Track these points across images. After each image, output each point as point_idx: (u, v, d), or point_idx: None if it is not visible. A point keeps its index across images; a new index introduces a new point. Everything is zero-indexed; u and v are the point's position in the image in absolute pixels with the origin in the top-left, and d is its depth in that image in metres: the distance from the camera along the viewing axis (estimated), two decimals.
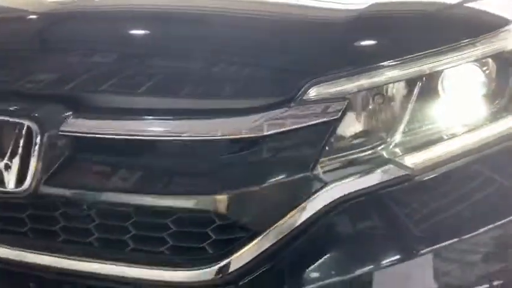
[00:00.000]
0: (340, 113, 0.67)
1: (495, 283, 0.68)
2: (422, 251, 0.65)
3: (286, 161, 0.67)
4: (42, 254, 0.70)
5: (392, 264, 0.64)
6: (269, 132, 0.66)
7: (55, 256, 0.70)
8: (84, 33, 0.81)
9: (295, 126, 0.67)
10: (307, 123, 0.67)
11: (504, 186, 0.75)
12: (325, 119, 0.67)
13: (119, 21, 0.84)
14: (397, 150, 0.71)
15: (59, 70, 0.76)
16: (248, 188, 0.66)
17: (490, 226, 0.69)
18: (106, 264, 0.68)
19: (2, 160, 0.69)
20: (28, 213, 0.71)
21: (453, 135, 0.74)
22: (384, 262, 0.65)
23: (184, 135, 0.66)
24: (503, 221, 0.70)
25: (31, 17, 0.93)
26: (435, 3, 0.92)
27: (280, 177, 0.66)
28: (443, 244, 0.66)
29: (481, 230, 0.68)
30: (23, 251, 0.71)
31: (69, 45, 0.80)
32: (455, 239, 0.67)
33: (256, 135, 0.66)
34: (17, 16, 0.94)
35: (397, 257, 0.65)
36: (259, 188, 0.66)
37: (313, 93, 0.68)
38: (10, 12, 0.95)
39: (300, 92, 0.68)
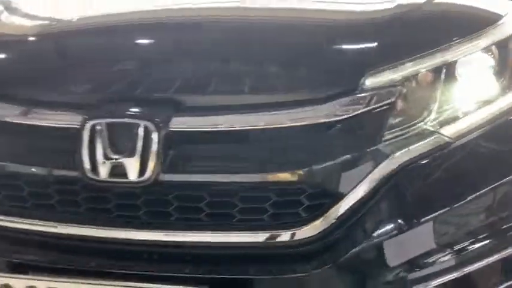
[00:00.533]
0: (395, 98, 0.86)
1: None
2: (470, 197, 0.85)
3: (358, 139, 0.85)
4: (156, 232, 0.85)
5: (450, 207, 0.84)
6: (343, 117, 0.84)
7: (169, 233, 0.85)
8: (176, 46, 0.95)
9: (361, 111, 0.84)
10: (371, 107, 0.85)
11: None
12: (384, 103, 0.85)
13: (201, 32, 0.98)
14: (434, 124, 0.90)
15: (164, 78, 0.89)
16: (331, 161, 0.83)
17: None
18: (216, 234, 0.84)
19: (123, 156, 0.82)
20: (143, 199, 0.85)
21: (473, 110, 0.94)
22: (442, 206, 0.85)
23: (280, 124, 0.83)
24: None
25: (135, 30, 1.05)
26: (443, 3, 1.12)
27: (355, 151, 0.84)
28: (483, 190, 0.86)
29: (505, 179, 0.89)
30: (140, 231, 0.85)
31: (166, 56, 0.93)
32: (488, 186, 0.88)
33: (333, 119, 0.83)
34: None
35: (452, 202, 0.85)
36: (340, 161, 0.83)
37: (370, 83, 0.86)
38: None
39: (361, 83, 0.86)
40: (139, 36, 1.00)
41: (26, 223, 0.87)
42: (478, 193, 0.89)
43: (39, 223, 0.87)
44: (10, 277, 0.84)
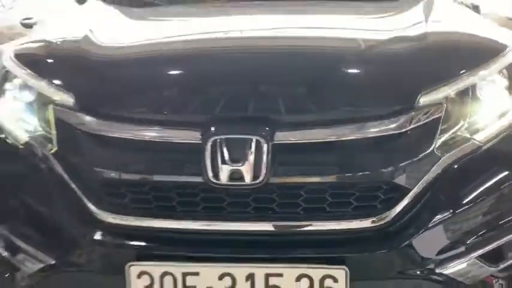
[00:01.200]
0: (443, 112, 1.12)
1: None
2: (501, 187, 1.12)
3: (417, 146, 1.10)
4: (265, 223, 1.08)
5: (486, 196, 1.11)
6: (407, 129, 1.09)
7: (274, 223, 1.07)
8: (277, 75, 1.18)
9: (419, 123, 1.10)
10: (425, 121, 1.11)
11: None
12: (435, 117, 1.11)
13: (294, 62, 1.21)
14: (467, 132, 1.17)
15: (268, 100, 1.12)
16: (398, 164, 1.08)
17: None
18: (313, 224, 1.07)
19: (240, 164, 1.04)
20: (254, 197, 1.07)
21: (494, 120, 1.21)
22: (480, 197, 1.12)
23: (360, 136, 1.07)
24: None
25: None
26: (464, 34, 1.41)
27: (415, 156, 1.09)
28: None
29: None
30: (252, 223, 1.07)
31: (269, 84, 1.16)
32: None
33: (401, 131, 1.09)
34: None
35: (487, 192, 1.12)
36: (404, 164, 1.08)
37: (423, 101, 1.12)
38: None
39: (416, 101, 1.11)
40: (245, 66, 1.21)
41: (169, 223, 1.09)
42: (501, 185, 1.16)
43: (172, 222, 1.08)
44: (152, 265, 1.05)
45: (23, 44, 1.51)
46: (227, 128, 1.06)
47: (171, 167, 1.10)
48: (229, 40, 1.43)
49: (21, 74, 1.32)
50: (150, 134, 1.11)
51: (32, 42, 1.54)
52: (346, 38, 1.43)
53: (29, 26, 3.53)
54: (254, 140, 1.04)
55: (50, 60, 1.37)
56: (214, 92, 1.17)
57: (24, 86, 1.32)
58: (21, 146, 1.23)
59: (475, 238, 1.13)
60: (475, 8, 2.16)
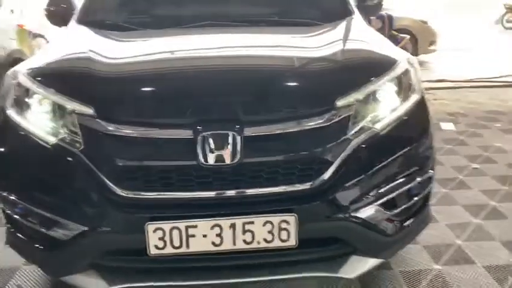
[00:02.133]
0: (353, 111, 1.80)
1: None
2: (389, 159, 1.83)
3: (337, 133, 1.78)
4: (240, 189, 1.70)
5: (380, 165, 1.81)
6: (329, 123, 1.76)
7: (246, 190, 1.70)
8: (246, 89, 1.83)
9: (338, 119, 1.78)
10: (341, 117, 1.79)
11: (412, 130, 1.97)
12: (348, 114, 1.80)
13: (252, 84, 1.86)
14: (370, 122, 1.87)
15: (239, 107, 1.73)
16: (325, 146, 1.75)
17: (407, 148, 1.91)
18: (272, 188, 1.71)
19: (222, 151, 1.65)
20: (231, 173, 1.69)
21: (388, 114, 1.92)
22: (376, 165, 1.81)
23: (296, 129, 1.73)
24: (414, 144, 1.92)
25: None
26: (369, 51, 2.14)
27: (336, 140, 1.76)
28: (395, 155, 1.85)
29: (405, 149, 1.90)
30: (229, 190, 1.70)
31: (240, 95, 1.79)
32: (397, 153, 1.87)
33: (326, 124, 1.76)
34: None
35: (380, 162, 1.82)
36: (329, 146, 1.75)
37: (339, 103, 1.80)
38: None
39: (335, 103, 1.79)
40: (221, 84, 1.83)
41: (173, 194, 1.70)
42: (392, 157, 1.88)
43: (175, 193, 1.69)
44: (164, 223, 1.65)
45: (34, 64, 2.04)
46: (211, 127, 1.68)
47: (172, 155, 1.70)
48: (208, 61, 2.09)
49: (42, 91, 1.85)
50: (156, 133, 1.70)
51: (42, 62, 2.07)
52: (286, 58, 2.13)
53: None
54: (231, 134, 1.67)
55: (64, 78, 1.94)
56: (202, 102, 1.78)
57: (43, 101, 1.85)
58: (49, 146, 1.76)
59: (376, 193, 1.83)
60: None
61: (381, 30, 5.56)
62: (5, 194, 1.87)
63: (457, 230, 2.73)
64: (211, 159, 1.66)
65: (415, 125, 2.00)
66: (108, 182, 1.69)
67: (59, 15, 2.89)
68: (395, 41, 5.54)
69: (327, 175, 1.75)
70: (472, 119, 4.97)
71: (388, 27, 5.45)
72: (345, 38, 2.28)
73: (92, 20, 2.67)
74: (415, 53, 8.68)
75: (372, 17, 4.50)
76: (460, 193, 3.23)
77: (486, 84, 6.62)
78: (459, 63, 8.75)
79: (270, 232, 1.68)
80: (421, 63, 8.72)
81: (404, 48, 5.84)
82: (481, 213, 2.92)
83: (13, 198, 1.85)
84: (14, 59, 4.55)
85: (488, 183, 3.39)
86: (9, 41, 4.51)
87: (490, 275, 2.32)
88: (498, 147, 4.12)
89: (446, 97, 5.95)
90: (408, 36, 5.89)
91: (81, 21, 2.67)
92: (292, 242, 1.70)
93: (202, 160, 1.66)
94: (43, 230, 1.80)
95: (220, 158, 1.66)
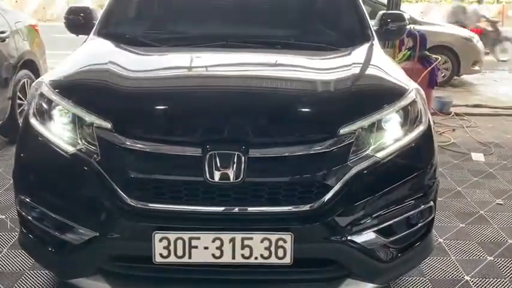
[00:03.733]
0: (354, 138, 2.17)
1: None
2: (389, 187, 2.19)
3: (338, 159, 2.14)
4: (242, 207, 2.08)
5: (380, 193, 2.17)
6: (331, 149, 2.13)
7: (247, 207, 2.08)
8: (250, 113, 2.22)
9: (339, 146, 2.15)
10: (343, 144, 2.16)
11: (414, 160, 2.33)
12: (349, 141, 2.17)
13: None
14: (372, 151, 2.23)
15: (245, 129, 2.12)
16: (326, 171, 2.11)
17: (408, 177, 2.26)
18: (272, 208, 2.09)
19: (227, 169, 2.04)
20: (234, 191, 2.07)
21: (391, 144, 2.28)
22: (377, 192, 2.17)
23: (300, 152, 2.10)
24: (415, 173, 2.28)
25: None
26: (376, 78, 2.53)
27: (337, 166, 2.13)
28: (396, 184, 2.21)
29: (406, 179, 2.25)
30: (235, 207, 2.08)
31: (246, 118, 2.18)
32: (398, 181, 2.22)
33: (327, 150, 2.13)
34: None
35: (381, 189, 2.18)
36: (330, 171, 2.12)
37: (342, 131, 2.17)
38: None
39: (338, 131, 2.16)
40: (228, 108, 2.24)
41: (180, 207, 2.09)
42: (392, 186, 2.23)
43: (182, 206, 2.08)
44: (170, 233, 2.03)
45: (56, 76, 2.48)
46: (219, 146, 2.07)
47: (181, 171, 2.09)
48: (220, 82, 2.54)
49: (64, 103, 2.27)
50: (167, 149, 2.10)
51: (64, 74, 2.53)
52: (295, 83, 2.55)
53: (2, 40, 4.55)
54: (236, 154, 2.06)
55: (85, 91, 2.39)
56: (212, 123, 2.18)
57: (64, 112, 2.28)
58: (67, 155, 2.17)
59: (374, 219, 2.19)
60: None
61: (412, 49, 5.92)
62: (22, 197, 2.30)
63: (468, 266, 3.05)
64: (216, 176, 2.05)
65: (418, 156, 2.36)
66: (120, 192, 2.08)
67: (77, 24, 3.35)
68: (428, 61, 5.87)
69: (326, 198, 2.11)
70: (505, 151, 5.26)
71: (420, 47, 5.79)
72: (357, 65, 2.67)
73: (111, 32, 3.14)
74: (456, 73, 9.01)
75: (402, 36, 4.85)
76: (477, 228, 3.54)
77: None
78: (507, 86, 9.03)
79: (267, 249, 2.05)
80: (462, 85, 9.10)
81: (438, 69, 6.16)
82: (496, 251, 3.23)
83: (30, 201, 2.28)
84: (26, 61, 5.06)
85: (510, 221, 3.69)
86: (22, 42, 5.03)
87: None
88: None
89: (480, 124, 6.25)
90: (439, 58, 6.19)
91: (101, 33, 3.14)
92: (288, 259, 2.06)
93: (208, 177, 2.05)
94: (56, 233, 2.21)
95: (225, 176, 2.05)
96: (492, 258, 3.14)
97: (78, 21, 3.35)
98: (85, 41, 3.12)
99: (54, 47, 7.22)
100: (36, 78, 4.31)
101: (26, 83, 5.08)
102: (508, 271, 3.01)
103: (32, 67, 5.24)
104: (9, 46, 4.83)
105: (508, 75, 10.11)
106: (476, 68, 9.10)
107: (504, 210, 3.87)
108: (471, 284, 2.87)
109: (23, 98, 5.01)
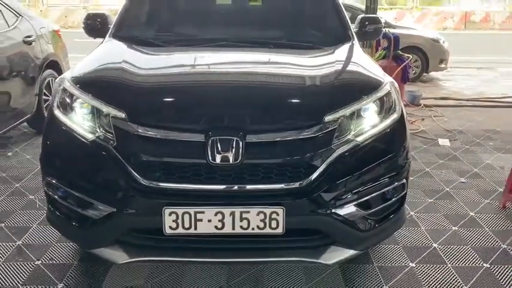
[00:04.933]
0: (337, 125, 2.17)
1: None
2: (366, 167, 2.19)
3: (323, 143, 2.14)
4: (240, 185, 2.08)
5: (359, 172, 2.18)
6: (317, 134, 2.13)
7: (245, 185, 2.08)
8: (248, 102, 2.21)
9: (324, 131, 2.15)
10: (328, 130, 2.16)
11: (389, 144, 2.33)
12: (333, 128, 2.17)
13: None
14: (353, 136, 2.23)
15: (243, 117, 2.11)
16: (313, 153, 2.12)
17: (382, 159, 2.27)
18: (267, 185, 2.09)
19: (227, 152, 2.03)
20: (233, 171, 2.07)
21: (369, 129, 2.28)
22: (355, 171, 2.18)
23: (290, 138, 2.11)
24: (390, 155, 2.28)
25: None
26: (355, 72, 2.53)
27: (321, 149, 2.13)
28: (372, 164, 2.21)
29: (381, 160, 2.25)
30: (233, 185, 2.08)
31: (246, 107, 2.17)
32: (374, 162, 2.23)
33: (314, 135, 2.13)
34: None
35: (358, 169, 2.18)
36: (316, 153, 2.12)
37: (327, 118, 2.17)
38: None
39: (323, 118, 2.16)
40: (229, 98, 2.23)
41: (186, 185, 2.08)
42: (370, 166, 2.23)
43: (188, 185, 2.08)
44: (178, 208, 2.03)
45: (77, 73, 2.47)
46: (220, 133, 2.06)
47: (187, 154, 2.09)
48: (220, 77, 2.52)
49: (84, 97, 2.26)
50: (175, 135, 2.10)
51: (83, 71, 2.50)
52: (285, 77, 2.54)
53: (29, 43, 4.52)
54: (234, 139, 2.05)
55: (102, 86, 2.37)
56: (213, 113, 2.17)
57: (83, 104, 2.26)
58: (87, 142, 2.16)
59: (354, 194, 2.19)
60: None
61: (387, 49, 5.90)
62: (49, 179, 2.29)
63: (436, 235, 3.07)
64: (218, 159, 2.04)
65: (393, 140, 2.36)
66: (134, 173, 2.08)
67: (95, 28, 3.33)
68: (401, 60, 5.86)
69: (313, 177, 2.12)
70: (468, 137, 5.27)
71: (394, 47, 5.77)
72: (340, 62, 2.66)
73: (124, 35, 3.12)
74: (425, 70, 9.00)
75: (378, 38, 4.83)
76: (444, 203, 3.56)
77: (490, 104, 6.89)
78: (469, 81, 9.03)
79: (262, 221, 2.06)
80: (430, 80, 9.09)
81: (410, 66, 6.16)
82: (459, 222, 3.25)
83: (56, 182, 2.27)
84: (50, 62, 5.02)
85: (472, 196, 3.71)
86: (46, 45, 4.98)
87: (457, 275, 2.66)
88: (487, 164, 4.42)
89: (447, 114, 6.25)
90: (411, 57, 6.19)
91: (116, 36, 3.12)
92: (280, 230, 2.07)
93: (210, 159, 2.04)
94: (79, 210, 2.21)
95: (225, 159, 2.04)
96: (457, 228, 3.17)
97: (95, 26, 3.33)
98: (101, 43, 3.10)
99: (75, 51, 7.17)
100: None
101: (50, 81, 5.04)
102: (470, 239, 3.03)
103: (56, 67, 5.20)
104: (35, 49, 4.79)
105: (470, 71, 10.10)
106: (443, 65, 9.09)
107: (466, 187, 3.88)
108: (438, 250, 2.89)
109: (48, 94, 4.98)
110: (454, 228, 3.17)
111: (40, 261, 2.70)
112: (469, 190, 3.82)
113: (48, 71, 5.02)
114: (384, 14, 15.87)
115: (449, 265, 2.73)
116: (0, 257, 2.74)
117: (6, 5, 4.68)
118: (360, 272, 2.65)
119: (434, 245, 2.95)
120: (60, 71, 5.23)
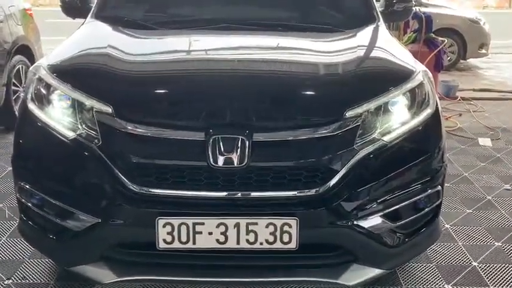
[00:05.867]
0: (360, 122, 2.19)
1: None
2: (396, 171, 2.21)
3: (343, 143, 2.16)
4: (246, 191, 2.10)
5: (387, 176, 2.19)
6: (337, 132, 2.15)
7: (251, 192, 2.10)
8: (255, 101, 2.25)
9: (345, 129, 2.17)
10: (349, 127, 2.17)
11: (422, 144, 2.34)
12: (356, 125, 2.18)
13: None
14: (379, 134, 2.24)
15: (249, 114, 2.13)
16: (334, 154, 2.13)
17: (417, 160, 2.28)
18: (277, 192, 2.11)
19: (231, 154, 2.05)
20: (238, 175, 2.09)
21: (398, 127, 2.29)
22: (384, 175, 2.19)
23: (309, 136, 2.12)
24: (423, 157, 2.30)
25: None
26: (381, 60, 2.54)
27: (344, 149, 2.15)
28: (402, 168, 2.23)
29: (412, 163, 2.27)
30: (238, 192, 2.10)
31: (251, 104, 2.19)
32: (404, 166, 2.24)
33: (333, 133, 2.14)
34: None
35: (387, 173, 2.20)
36: (338, 154, 2.14)
37: (348, 114, 2.18)
38: None
39: (343, 113, 2.17)
40: (233, 92, 2.24)
41: (184, 192, 2.10)
42: (399, 170, 2.25)
43: (186, 192, 2.10)
44: (174, 218, 2.06)
45: (54, 60, 2.49)
46: (222, 130, 2.08)
47: (184, 155, 2.11)
48: (222, 65, 2.56)
49: (63, 88, 2.28)
50: (170, 133, 2.12)
51: (62, 57, 2.52)
52: (299, 66, 2.57)
53: None
54: (240, 138, 2.07)
55: (84, 75, 2.40)
56: (214, 106, 2.19)
57: (62, 96, 2.29)
58: (68, 141, 2.19)
59: (381, 203, 2.21)
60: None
61: (417, 31, 5.91)
62: (22, 183, 2.32)
63: (475, 252, 3.08)
64: (220, 161, 2.06)
65: (426, 139, 2.38)
66: (122, 177, 2.10)
67: (74, 7, 3.35)
68: (434, 44, 5.87)
69: (331, 183, 2.13)
70: None
71: (426, 29, 5.78)
72: (363, 47, 2.68)
73: (109, 15, 3.14)
74: (463, 56, 9.00)
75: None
76: (485, 214, 3.57)
77: None
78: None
79: (272, 234, 2.08)
80: (468, 68, 9.10)
81: (444, 52, 6.16)
82: (504, 237, 3.26)
83: (30, 188, 2.30)
84: (20, 46, 5.06)
85: None
86: (16, 27, 5.02)
87: None
88: None
89: (487, 109, 6.26)
90: (446, 40, 6.19)
91: (99, 16, 3.14)
92: (293, 245, 2.09)
93: (212, 162, 2.06)
94: (57, 220, 2.23)
95: (228, 161, 2.06)
96: (500, 244, 3.18)
97: (75, 4, 3.35)
98: (82, 24, 3.12)
99: (48, 33, 7.20)
100: (32, 64, 4.32)
101: (20, 69, 5.09)
102: None
103: (27, 53, 5.24)
104: (3, 31, 4.84)
105: None
106: (483, 51, 9.11)
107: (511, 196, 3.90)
108: (479, 269, 2.90)
109: (18, 85, 5.03)
110: (496, 244, 3.18)
111: (11, 280, 2.73)
112: None
113: (18, 57, 5.06)
114: None
115: (491, 287, 2.75)
116: None
117: None
118: None
119: (474, 263, 2.96)
120: (31, 57, 5.28)
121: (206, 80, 2.40)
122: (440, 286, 2.75)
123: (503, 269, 2.91)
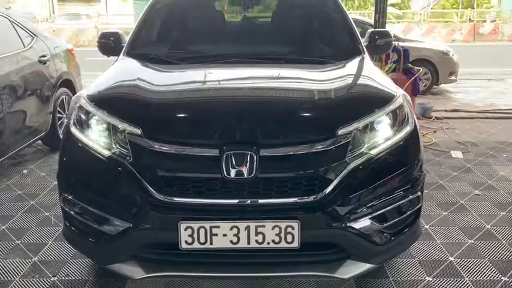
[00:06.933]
0: (351, 138, 2.18)
1: None
2: (381, 180, 2.19)
3: (337, 157, 2.15)
4: (255, 199, 2.09)
5: (373, 185, 2.17)
6: (331, 148, 2.14)
7: (259, 199, 2.09)
8: (261, 120, 2.24)
9: (338, 145, 2.16)
10: (341, 143, 2.16)
11: (403, 156, 2.33)
12: (346, 141, 2.17)
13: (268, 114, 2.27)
14: (366, 149, 2.23)
15: (257, 133, 2.13)
16: (327, 167, 2.12)
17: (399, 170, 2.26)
18: (281, 199, 2.09)
19: (242, 167, 2.04)
20: (248, 185, 2.08)
21: (382, 142, 2.28)
22: (369, 185, 2.17)
23: (305, 151, 2.11)
24: (404, 168, 2.28)
25: None
26: (367, 86, 2.54)
27: (336, 162, 2.14)
28: (387, 177, 2.21)
29: (395, 173, 2.25)
30: (247, 199, 2.09)
31: (259, 123, 2.19)
32: (389, 175, 2.22)
33: (327, 148, 2.13)
34: None
35: (373, 182, 2.18)
36: (330, 166, 2.13)
37: (340, 132, 2.18)
38: None
39: (336, 132, 2.17)
40: (242, 115, 2.24)
41: (201, 200, 2.10)
42: (384, 179, 2.23)
43: (203, 200, 2.09)
44: (193, 223, 2.04)
45: (93, 91, 2.51)
46: (234, 147, 2.08)
47: (201, 169, 2.11)
48: (233, 93, 2.55)
49: (100, 114, 2.30)
50: (190, 150, 2.12)
51: (99, 89, 2.55)
52: (298, 92, 2.55)
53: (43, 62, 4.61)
54: (249, 154, 2.07)
55: (117, 103, 2.41)
56: (227, 128, 2.19)
57: (99, 121, 2.30)
58: (104, 158, 2.19)
59: (369, 207, 2.19)
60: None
61: (397, 62, 5.92)
62: (65, 195, 2.32)
63: (451, 248, 3.03)
64: (232, 173, 2.06)
65: (407, 152, 2.36)
66: (150, 188, 2.10)
67: (109, 47, 3.39)
68: (411, 73, 5.87)
69: (327, 191, 2.12)
70: (481, 149, 5.23)
71: (404, 60, 5.79)
72: (351, 76, 2.69)
73: (138, 53, 3.18)
74: (435, 82, 8.98)
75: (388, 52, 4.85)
76: (459, 216, 3.52)
77: (501, 116, 6.84)
78: (480, 93, 8.99)
79: (277, 235, 2.06)
80: (441, 92, 9.06)
81: (420, 79, 6.15)
82: (476, 235, 3.21)
83: (72, 198, 2.30)
84: (64, 80, 5.11)
85: (487, 208, 3.67)
86: (60, 64, 5.07)
87: None
88: (502, 176, 4.38)
89: (458, 127, 6.22)
90: (421, 69, 6.19)
91: (129, 54, 3.18)
92: (296, 244, 2.07)
93: (225, 174, 2.06)
94: (95, 225, 2.23)
95: (239, 173, 2.06)
96: (472, 241, 3.13)
97: (109, 44, 3.39)
98: (116, 61, 3.16)
99: (87, 69, 7.28)
100: (73, 95, 4.35)
101: (64, 99, 5.13)
102: (487, 252, 2.99)
103: (70, 86, 5.28)
104: (50, 68, 4.88)
105: (481, 83, 10.06)
106: (453, 78, 9.06)
107: (481, 199, 3.84)
108: (455, 263, 2.85)
109: (62, 112, 5.06)
110: (470, 241, 3.13)
111: (56, 278, 2.72)
112: (484, 202, 3.78)
113: (62, 89, 5.11)
114: (392, 28, 15.93)
115: (466, 279, 2.70)
116: (16, 274, 2.76)
117: (22, 25, 4.80)
118: (376, 286, 2.62)
119: (451, 258, 2.92)
120: (73, 89, 5.32)
121: (220, 105, 2.40)
122: (422, 278, 2.71)
123: (475, 262, 2.87)
